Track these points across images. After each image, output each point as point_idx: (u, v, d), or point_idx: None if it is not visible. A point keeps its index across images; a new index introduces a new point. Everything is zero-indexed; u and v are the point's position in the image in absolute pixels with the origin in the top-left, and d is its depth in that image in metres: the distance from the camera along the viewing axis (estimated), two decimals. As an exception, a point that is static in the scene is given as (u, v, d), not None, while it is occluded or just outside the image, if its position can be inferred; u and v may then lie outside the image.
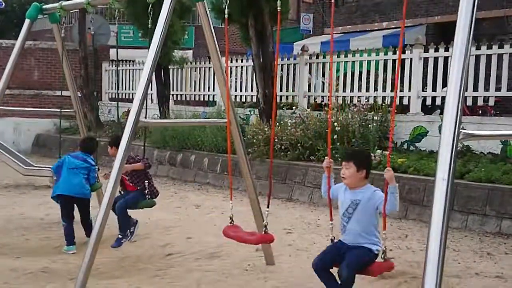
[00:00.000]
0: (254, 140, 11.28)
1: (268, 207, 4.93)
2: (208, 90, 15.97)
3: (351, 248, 4.45)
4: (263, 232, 4.89)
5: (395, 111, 10.93)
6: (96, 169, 6.83)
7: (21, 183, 11.62)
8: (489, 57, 10.43)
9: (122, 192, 6.48)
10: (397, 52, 11.60)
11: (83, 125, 8.20)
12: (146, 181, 6.29)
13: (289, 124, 11.39)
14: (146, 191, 6.28)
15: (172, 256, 6.47)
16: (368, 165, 4.61)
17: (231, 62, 14.91)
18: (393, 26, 20.18)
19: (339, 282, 4.38)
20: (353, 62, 12.57)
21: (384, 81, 11.96)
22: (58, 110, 7.92)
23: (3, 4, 26.14)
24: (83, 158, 6.71)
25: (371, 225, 4.44)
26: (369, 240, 4.43)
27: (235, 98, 14.58)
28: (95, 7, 6.99)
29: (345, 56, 12.67)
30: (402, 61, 11.57)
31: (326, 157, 4.70)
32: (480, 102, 11.06)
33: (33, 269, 5.78)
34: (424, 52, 11.34)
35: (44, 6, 7.07)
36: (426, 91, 11.43)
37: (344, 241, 4.54)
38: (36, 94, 18.70)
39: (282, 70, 13.96)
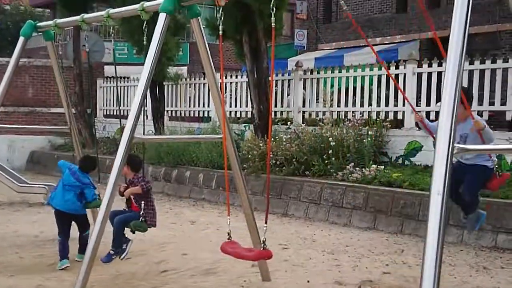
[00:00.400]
0: (249, 156, 11.28)
1: (266, 222, 4.92)
2: (203, 106, 15.99)
3: (469, 167, 5.38)
4: (261, 248, 4.88)
5: (389, 126, 11.11)
6: (92, 187, 6.81)
7: (15, 200, 11.56)
8: (482, 72, 10.48)
9: (126, 209, 6.40)
10: (391, 68, 11.73)
11: (77, 142, 8.18)
12: (143, 202, 6.20)
13: (284, 140, 11.40)
14: (141, 212, 6.16)
15: (167, 273, 6.44)
16: (469, 97, 5.73)
17: (226, 78, 14.93)
18: (386, 42, 20.32)
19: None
20: (347, 77, 12.62)
21: (378, 96, 12.00)
22: (53, 127, 7.92)
23: (-2, 21, 26.21)
24: (78, 176, 6.73)
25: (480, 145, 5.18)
26: (484, 160, 5.35)
27: (230, 114, 14.60)
28: (89, 25, 7.00)
29: (339, 72, 12.72)
30: (396, 76, 11.63)
31: (415, 116, 5.84)
32: (474, 116, 11.08)
33: (27, 287, 5.74)
34: (418, 67, 11.40)
35: (38, 24, 7.08)
36: (420, 106, 11.46)
37: (462, 160, 5.45)
38: (31, 111, 18.67)
39: (276, 85, 14.00)
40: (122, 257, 6.21)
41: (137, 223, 6.04)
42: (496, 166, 5.45)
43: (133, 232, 6.13)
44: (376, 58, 5.74)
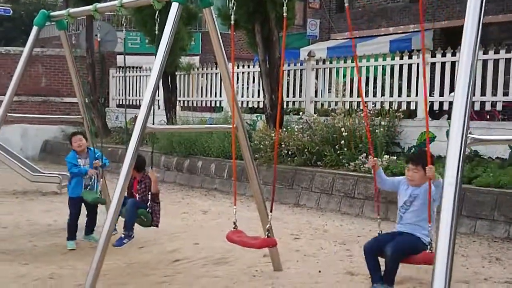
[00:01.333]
0: (261, 146, 11.28)
1: (271, 211, 4.94)
2: (215, 96, 15.99)
3: (404, 234, 4.81)
4: (266, 236, 4.91)
5: (402, 116, 11.06)
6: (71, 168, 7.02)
7: (29, 189, 11.66)
8: (496, 61, 10.40)
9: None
10: (404, 58, 11.66)
11: (90, 132, 8.21)
12: (149, 194, 6.24)
13: (296, 130, 11.38)
14: (149, 204, 6.21)
15: (179, 262, 6.47)
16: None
17: (238, 68, 14.93)
18: (399, 31, 20.17)
19: (384, 269, 4.74)
20: (360, 67, 12.57)
21: (391, 86, 11.94)
22: (66, 116, 8.02)
23: (11, 11, 26.32)
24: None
25: (425, 216, 4.66)
26: (422, 231, 4.73)
27: (242, 104, 14.59)
28: (102, 14, 7.01)
29: (351, 62, 12.66)
30: (409, 66, 11.56)
31: (370, 157, 5.05)
32: (487, 106, 11.02)
33: (40, 276, 5.80)
34: (431, 57, 11.32)
35: (51, 13, 7.09)
36: (433, 96, 11.40)
37: (399, 229, 4.90)
38: (44, 100, 18.79)
39: (288, 75, 13.97)
40: (115, 244, 6.17)
41: (144, 212, 6.10)
42: (430, 243, 4.49)
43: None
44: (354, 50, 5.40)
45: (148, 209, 6.15)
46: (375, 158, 5.00)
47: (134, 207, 6.10)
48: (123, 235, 6.22)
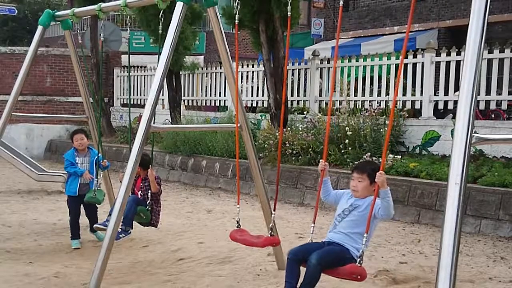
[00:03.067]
0: (266, 145, 11.28)
1: (274, 210, 4.94)
2: (219, 96, 16.00)
3: (333, 244, 4.37)
4: (269, 235, 4.91)
5: (407, 115, 11.04)
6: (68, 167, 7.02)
7: (34, 188, 11.69)
8: (501, 60, 10.37)
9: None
10: (409, 57, 11.64)
11: (95, 131, 8.23)
12: (150, 192, 6.26)
13: (300, 129, 11.38)
14: (148, 202, 6.25)
15: (183, 261, 6.48)
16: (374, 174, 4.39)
17: (242, 67, 14.93)
18: (404, 30, 20.13)
19: (302, 281, 4.29)
20: (364, 66, 12.56)
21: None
22: (70, 116, 8.02)
23: (16, 11, 26.39)
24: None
25: (361, 230, 4.26)
26: (354, 244, 4.32)
27: (246, 103, 14.59)
28: (107, 14, 7.03)
29: (356, 61, 12.65)
30: (414, 66, 11.55)
31: (321, 160, 4.63)
32: (493, 106, 10.99)
33: (45, 274, 5.81)
34: (436, 56, 11.30)
35: (56, 13, 7.11)
36: (438, 95, 11.38)
37: (330, 238, 4.45)
38: (49, 100, 18.83)
39: (293, 75, 13.96)
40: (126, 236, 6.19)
41: (143, 209, 6.12)
42: (362, 255, 4.10)
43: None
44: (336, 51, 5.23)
45: (147, 207, 6.18)
46: (326, 163, 4.62)
47: (133, 202, 6.12)
48: (120, 230, 6.21)
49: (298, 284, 4.34)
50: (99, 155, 7.18)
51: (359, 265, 4.11)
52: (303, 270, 4.34)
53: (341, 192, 4.68)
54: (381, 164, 4.24)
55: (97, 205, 7.15)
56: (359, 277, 4.11)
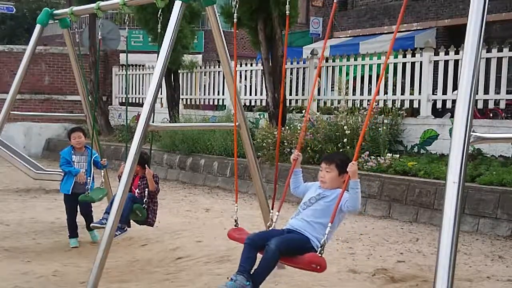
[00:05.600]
0: (264, 144, 11.28)
1: (272, 209, 4.94)
2: (218, 94, 16.00)
3: (293, 232, 4.23)
4: None
5: (405, 114, 11.05)
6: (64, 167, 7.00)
7: (32, 187, 11.68)
8: (499, 60, 10.38)
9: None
10: (407, 56, 11.65)
11: (93, 130, 8.22)
12: (146, 190, 6.26)
13: (298, 128, 11.38)
14: (145, 200, 6.24)
15: (182, 260, 6.48)
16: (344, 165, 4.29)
17: (241, 66, 14.93)
18: (402, 29, 20.14)
19: (257, 267, 4.15)
20: (363, 65, 12.57)
21: (394, 85, 11.93)
22: (69, 114, 8.01)
23: (14, 9, 26.34)
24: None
25: (325, 221, 4.13)
26: (315, 233, 4.16)
27: (245, 102, 14.59)
28: (105, 12, 7.03)
29: (354, 60, 12.66)
30: (412, 65, 11.55)
31: (294, 150, 4.54)
32: (491, 105, 11.01)
33: (44, 273, 5.81)
34: (434, 55, 11.31)
35: (54, 11, 7.10)
36: (436, 94, 11.39)
37: (291, 225, 4.30)
38: (47, 98, 18.81)
39: (291, 74, 13.97)
40: (121, 235, 6.18)
41: (139, 207, 6.11)
42: (323, 245, 3.97)
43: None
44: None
45: (144, 205, 6.17)
46: (299, 153, 4.52)
47: (129, 200, 6.11)
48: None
49: (253, 270, 4.17)
50: (96, 155, 7.17)
51: (319, 255, 3.99)
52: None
53: (311, 184, 4.56)
54: (355, 154, 4.18)
55: (91, 204, 7.12)
56: (318, 267, 4.00)
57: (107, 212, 6.10)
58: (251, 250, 4.18)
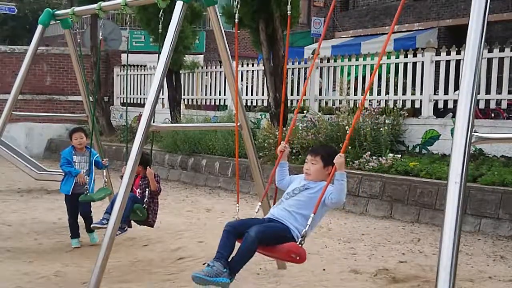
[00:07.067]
0: (265, 144, 11.28)
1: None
2: (219, 95, 16.00)
3: (274, 221, 4.17)
4: None
5: (407, 115, 11.05)
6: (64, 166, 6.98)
7: (34, 187, 11.69)
8: (501, 60, 10.37)
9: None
10: (409, 56, 11.64)
11: (95, 130, 8.23)
12: (147, 190, 6.25)
13: (300, 128, 11.38)
14: (145, 200, 6.23)
15: (183, 260, 6.48)
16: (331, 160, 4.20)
17: (242, 66, 14.93)
18: (404, 30, 20.14)
19: (235, 255, 4.05)
20: (364, 65, 12.56)
21: (396, 85, 11.93)
22: (70, 115, 8.01)
23: (16, 10, 26.37)
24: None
25: (307, 212, 4.09)
26: (296, 224, 4.11)
27: (246, 102, 14.59)
28: (106, 13, 7.03)
29: (356, 60, 12.65)
30: (414, 65, 11.55)
31: (282, 142, 4.52)
32: (492, 105, 11.00)
33: (45, 273, 5.81)
34: (436, 55, 11.30)
35: (56, 12, 7.11)
36: (438, 94, 11.38)
37: (273, 214, 4.25)
38: (48, 99, 18.83)
39: (293, 74, 13.96)
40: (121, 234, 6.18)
41: (140, 207, 6.11)
42: (304, 235, 3.97)
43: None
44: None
45: (144, 205, 6.17)
46: (286, 145, 4.48)
47: (130, 200, 6.11)
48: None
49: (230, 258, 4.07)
50: (97, 155, 7.16)
51: (299, 245, 3.96)
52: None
53: (296, 176, 4.51)
54: (343, 147, 4.16)
55: (91, 205, 7.11)
56: (297, 257, 3.96)
57: (108, 212, 6.10)
58: (229, 237, 4.12)
